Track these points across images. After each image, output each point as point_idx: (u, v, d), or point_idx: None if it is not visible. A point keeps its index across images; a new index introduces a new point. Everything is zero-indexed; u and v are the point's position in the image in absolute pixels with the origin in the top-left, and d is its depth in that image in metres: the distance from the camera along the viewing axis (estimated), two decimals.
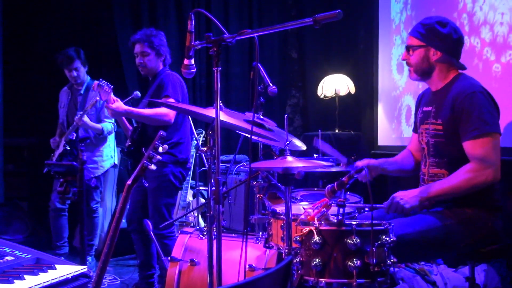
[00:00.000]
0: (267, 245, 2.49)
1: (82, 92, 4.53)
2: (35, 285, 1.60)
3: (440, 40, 2.44)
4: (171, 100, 3.48)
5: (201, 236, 2.79)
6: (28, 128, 6.12)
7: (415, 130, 2.74)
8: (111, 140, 4.66)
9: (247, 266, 2.54)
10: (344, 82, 5.04)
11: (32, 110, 6.00)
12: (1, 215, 5.32)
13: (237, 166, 4.71)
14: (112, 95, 3.53)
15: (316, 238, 1.98)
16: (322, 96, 5.06)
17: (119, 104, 3.49)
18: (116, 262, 4.74)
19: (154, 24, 5.52)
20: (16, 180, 6.11)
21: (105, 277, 4.05)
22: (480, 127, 2.28)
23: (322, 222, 2.03)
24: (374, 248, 1.93)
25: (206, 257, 2.20)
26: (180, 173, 3.62)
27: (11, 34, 5.85)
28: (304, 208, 2.32)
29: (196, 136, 4.60)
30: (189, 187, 4.78)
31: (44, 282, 1.64)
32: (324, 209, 2.06)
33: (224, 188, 3.26)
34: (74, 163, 3.10)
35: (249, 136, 2.24)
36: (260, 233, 2.74)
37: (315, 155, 4.06)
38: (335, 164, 3.01)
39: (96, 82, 3.58)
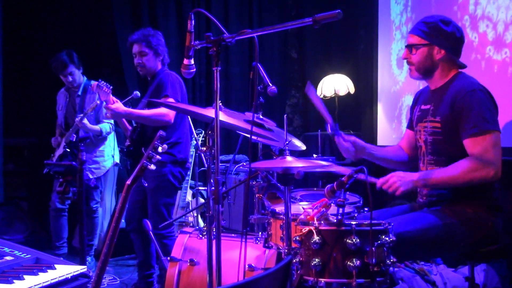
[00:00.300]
0: (266, 245, 2.49)
1: (79, 93, 4.48)
2: (35, 285, 1.60)
3: (444, 38, 2.42)
4: (171, 100, 3.47)
5: (201, 236, 2.78)
6: (28, 128, 6.12)
7: (410, 127, 2.73)
8: (111, 139, 4.64)
9: (247, 266, 2.54)
10: (344, 82, 5.04)
11: (32, 110, 6.00)
12: (1, 215, 5.32)
13: (236, 166, 4.70)
14: (111, 95, 3.52)
15: (316, 238, 1.98)
16: (321, 96, 5.06)
17: (118, 105, 3.48)
18: (115, 262, 4.73)
19: (154, 24, 5.52)
20: (16, 180, 6.10)
21: (105, 277, 4.05)
22: (480, 125, 2.27)
23: (322, 222, 2.03)
24: (373, 248, 1.93)
25: (205, 257, 2.21)
26: (179, 173, 3.61)
27: (11, 34, 5.85)
28: (303, 208, 2.32)
29: (196, 136, 4.60)
30: (188, 187, 4.78)
31: (43, 282, 1.64)
32: (324, 209, 2.06)
33: (224, 188, 3.26)
34: (74, 163, 3.10)
35: (248, 136, 2.24)
36: (260, 233, 2.74)
37: (314, 155, 4.06)
38: (334, 161, 3.00)
39: (94, 82, 3.57)
